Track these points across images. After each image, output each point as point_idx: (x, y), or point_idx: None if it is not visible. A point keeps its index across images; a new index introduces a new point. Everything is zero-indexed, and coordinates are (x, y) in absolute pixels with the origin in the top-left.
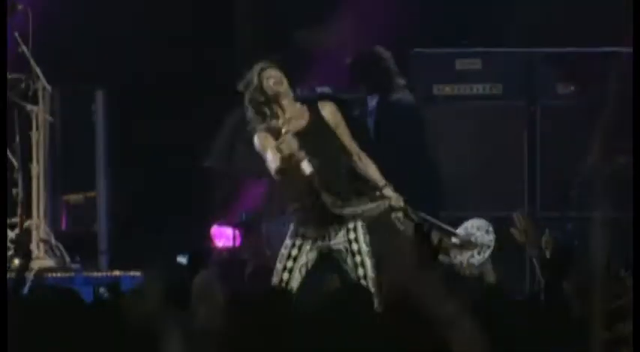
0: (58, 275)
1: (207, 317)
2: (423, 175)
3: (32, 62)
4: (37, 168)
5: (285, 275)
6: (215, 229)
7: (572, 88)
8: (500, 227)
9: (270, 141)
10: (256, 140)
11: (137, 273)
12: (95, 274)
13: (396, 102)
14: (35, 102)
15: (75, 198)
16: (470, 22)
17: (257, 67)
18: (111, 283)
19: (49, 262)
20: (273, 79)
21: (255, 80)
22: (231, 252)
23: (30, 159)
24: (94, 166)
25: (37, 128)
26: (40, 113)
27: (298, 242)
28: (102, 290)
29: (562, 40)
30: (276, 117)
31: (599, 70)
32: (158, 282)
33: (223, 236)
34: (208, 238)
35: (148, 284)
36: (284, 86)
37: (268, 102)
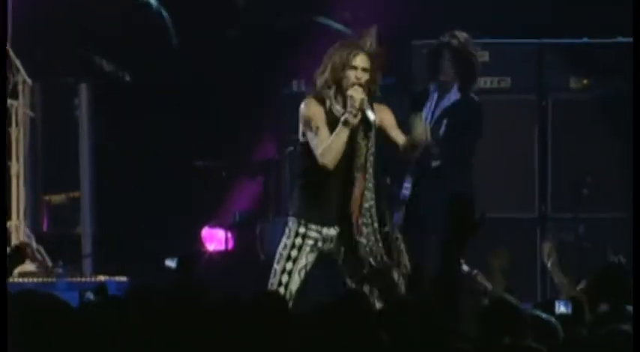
0: (40, 280)
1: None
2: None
3: (11, 53)
4: (16, 167)
5: (285, 278)
6: (206, 231)
7: (586, 81)
8: (511, 229)
9: (323, 116)
10: (306, 107)
11: (123, 278)
12: (79, 279)
13: (477, 104)
14: (15, 96)
15: (57, 198)
16: (475, 11)
17: (349, 50)
18: (97, 287)
19: (30, 266)
20: (360, 72)
21: (341, 64)
22: (223, 255)
23: (9, 157)
24: (77, 164)
25: (17, 124)
26: (20, 108)
27: (298, 242)
28: (88, 294)
29: (574, 30)
30: (343, 106)
31: (614, 62)
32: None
33: (215, 238)
34: (199, 241)
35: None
36: (367, 81)
37: (341, 90)
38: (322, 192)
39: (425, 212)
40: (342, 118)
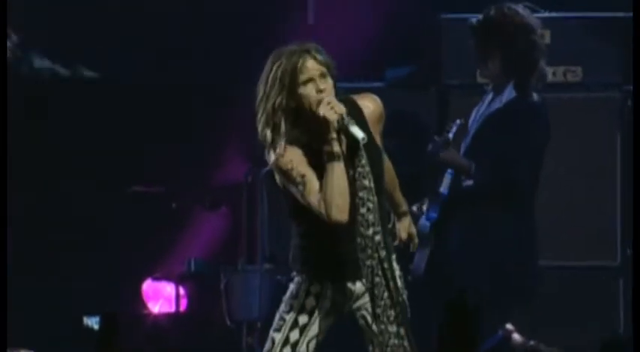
0: None
1: None
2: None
3: None
4: None
5: None
6: (148, 285)
7: None
8: (584, 281)
9: (303, 159)
10: (278, 158)
11: None
12: None
13: (534, 106)
14: None
15: None
16: None
17: (290, 57)
18: None
19: None
20: (320, 82)
21: (290, 83)
22: (172, 319)
23: None
24: None
25: None
26: None
27: (310, 304)
28: None
29: None
30: (314, 134)
31: None
32: None
33: (160, 295)
34: (137, 299)
35: None
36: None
37: (302, 116)
38: (335, 242)
39: (455, 261)
40: (325, 152)
